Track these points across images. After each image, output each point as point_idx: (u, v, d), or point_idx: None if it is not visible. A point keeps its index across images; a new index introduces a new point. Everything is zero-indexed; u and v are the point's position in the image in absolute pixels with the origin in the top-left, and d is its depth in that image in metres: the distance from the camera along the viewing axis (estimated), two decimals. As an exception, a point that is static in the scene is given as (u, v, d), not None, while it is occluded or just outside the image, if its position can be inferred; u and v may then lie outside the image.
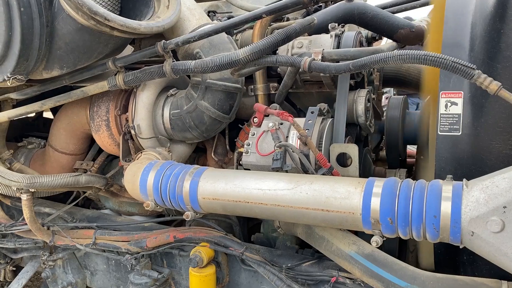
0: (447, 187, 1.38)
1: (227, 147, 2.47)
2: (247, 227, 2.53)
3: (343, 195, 1.50)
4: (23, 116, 3.00)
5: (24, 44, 1.72)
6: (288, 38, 1.74)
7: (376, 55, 1.42)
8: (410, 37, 2.22)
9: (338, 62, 1.74)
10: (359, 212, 1.47)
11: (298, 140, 1.80)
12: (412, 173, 2.67)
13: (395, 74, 2.75)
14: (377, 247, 1.51)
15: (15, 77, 1.80)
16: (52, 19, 1.76)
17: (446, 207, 1.34)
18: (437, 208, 1.35)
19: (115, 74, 2.04)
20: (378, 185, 1.47)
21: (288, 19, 2.38)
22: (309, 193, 1.56)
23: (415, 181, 1.47)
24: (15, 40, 1.71)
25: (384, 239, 1.49)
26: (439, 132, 1.61)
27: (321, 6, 2.46)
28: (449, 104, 1.61)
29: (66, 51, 1.83)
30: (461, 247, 1.38)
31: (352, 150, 1.76)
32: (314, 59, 1.67)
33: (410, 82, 2.76)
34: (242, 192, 1.68)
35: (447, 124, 1.60)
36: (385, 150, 2.44)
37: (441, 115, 1.61)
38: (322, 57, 1.76)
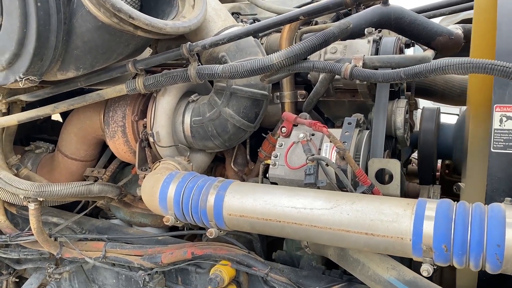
0: (511, 213, 1.23)
1: (248, 157, 2.33)
2: (267, 241, 2.37)
3: (391, 217, 1.35)
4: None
5: (39, 42, 1.57)
6: (326, 42, 1.60)
7: (434, 63, 1.27)
8: (449, 45, 2.07)
9: (377, 69, 1.60)
10: (409, 237, 1.32)
11: (333, 153, 1.66)
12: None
13: (419, 84, 2.61)
14: (426, 277, 1.36)
15: (28, 78, 1.66)
16: (70, 16, 1.61)
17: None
18: (501, 236, 1.21)
19: (134, 77, 1.90)
20: (431, 207, 1.33)
21: (316, 23, 2.24)
22: (350, 214, 1.41)
23: (471, 204, 1.32)
24: (30, 38, 1.56)
25: (435, 267, 1.34)
26: (492, 150, 1.47)
27: (351, 10, 2.31)
28: (504, 118, 1.47)
29: (84, 50, 1.69)
30: (526, 279, 1.23)
31: (394, 166, 1.61)
32: (355, 66, 1.53)
33: (436, 92, 2.62)
34: (274, 210, 1.53)
35: (502, 140, 1.46)
36: (418, 164, 2.28)
37: (495, 131, 1.47)
38: (363, 63, 1.61)
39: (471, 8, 2.43)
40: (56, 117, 3.16)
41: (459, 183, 2.12)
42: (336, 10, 1.65)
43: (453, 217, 1.28)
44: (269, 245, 2.38)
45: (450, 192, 2.23)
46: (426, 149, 2.20)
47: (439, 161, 2.71)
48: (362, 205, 1.41)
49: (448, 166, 2.74)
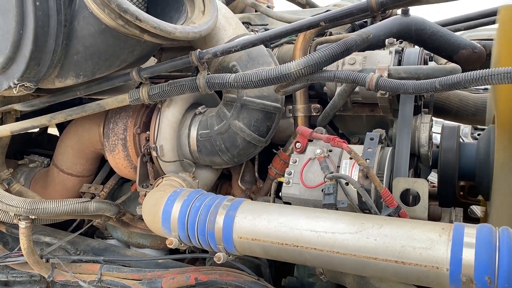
0: None
1: (256, 174, 2.18)
2: (275, 266, 2.21)
3: (424, 244, 1.21)
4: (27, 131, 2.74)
5: (36, 46, 1.44)
6: (347, 51, 1.48)
7: (475, 72, 1.14)
8: (472, 59, 1.97)
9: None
10: (446, 267, 1.17)
11: (353, 171, 1.52)
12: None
13: (434, 101, 2.50)
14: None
15: (23, 85, 1.52)
16: (72, 18, 1.49)
17: None
18: (554, 268, 1.06)
19: (138, 87, 1.77)
20: (470, 233, 1.18)
21: (331, 34, 2.12)
22: (378, 239, 1.26)
23: (516, 229, 1.18)
24: (26, 40, 1.43)
25: (475, 302, 1.18)
26: (525, 168, 1.34)
27: (366, 22, 2.21)
28: (538, 135, 1.34)
29: (85, 56, 1.56)
30: None
31: (421, 186, 1.47)
32: (381, 76, 1.40)
33: (450, 111, 2.50)
34: (290, 233, 1.38)
35: (536, 158, 1.33)
36: (438, 185, 2.14)
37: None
38: (388, 74, 1.49)
39: (491, 22, 2.34)
40: (54, 131, 3.01)
41: (473, 207, 1.97)
42: (361, 16, 1.53)
43: (497, 244, 1.14)
44: (277, 270, 2.21)
45: (466, 215, 2.10)
46: (447, 169, 2.06)
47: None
48: (391, 229, 1.26)
49: (463, 187, 2.61)
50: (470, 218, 2.67)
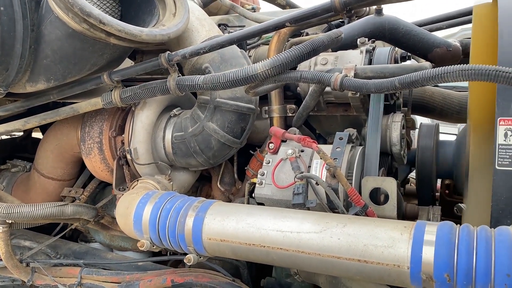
0: (522, 237, 1.09)
1: (235, 175, 2.18)
2: (256, 268, 2.21)
3: (386, 242, 1.21)
4: (9, 136, 2.75)
5: (3, 50, 1.45)
6: (314, 51, 1.48)
7: (432, 70, 1.15)
8: (447, 57, 1.97)
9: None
10: (406, 265, 1.17)
11: (323, 171, 1.53)
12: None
13: (417, 100, 2.50)
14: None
15: (-7, 90, 1.53)
16: (39, 22, 1.50)
17: (523, 264, 1.05)
18: (511, 265, 1.06)
19: (111, 90, 1.77)
20: (431, 231, 1.19)
21: (307, 34, 2.13)
22: (341, 238, 1.26)
23: (476, 227, 1.18)
24: (-8, 45, 1.44)
25: (437, 300, 1.18)
26: (496, 167, 1.34)
27: (343, 21, 2.21)
28: (509, 132, 1.35)
29: (54, 60, 1.56)
30: (540, 314, 1.08)
31: (390, 185, 1.48)
32: (346, 76, 1.41)
33: (434, 109, 2.50)
34: (257, 234, 1.38)
35: (507, 157, 1.34)
36: (416, 184, 2.14)
37: (500, 146, 1.35)
38: (355, 73, 1.49)
39: (469, 21, 2.34)
40: (38, 134, 3.02)
41: (460, 204, 1.98)
42: (325, 16, 1.53)
43: (456, 242, 1.14)
44: (257, 271, 2.21)
45: (451, 213, 2.10)
46: (425, 168, 2.06)
47: (439, 181, 2.58)
48: (354, 229, 1.27)
49: (449, 186, 2.60)
50: (457, 217, 2.67)
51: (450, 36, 3.03)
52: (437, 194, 2.60)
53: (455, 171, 2.05)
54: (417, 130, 2.42)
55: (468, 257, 1.11)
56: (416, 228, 1.21)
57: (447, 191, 2.60)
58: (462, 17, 2.15)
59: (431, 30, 2.18)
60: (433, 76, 1.14)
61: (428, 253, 1.15)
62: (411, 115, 2.40)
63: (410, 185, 2.64)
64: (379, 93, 1.43)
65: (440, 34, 2.33)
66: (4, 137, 2.81)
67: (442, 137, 2.27)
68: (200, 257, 1.53)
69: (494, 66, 1.11)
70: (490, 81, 1.09)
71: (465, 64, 1.16)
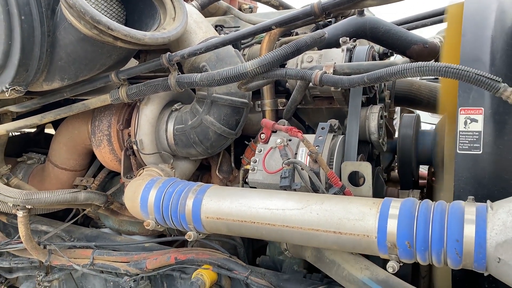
0: (470, 209, 1.28)
1: (233, 164, 2.38)
2: (252, 249, 2.41)
3: (357, 216, 1.40)
4: (24, 131, 2.96)
5: (24, 54, 1.65)
6: (298, 51, 1.67)
7: (393, 67, 1.33)
8: (424, 53, 2.14)
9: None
10: (374, 235, 1.36)
11: (308, 158, 1.71)
12: (424, 195, 2.56)
13: (406, 93, 2.67)
14: (393, 273, 1.40)
15: (14, 88, 1.73)
16: (54, 29, 1.70)
17: (469, 230, 1.24)
18: (460, 232, 1.25)
19: (118, 87, 1.97)
20: (395, 206, 1.37)
21: (297, 34, 2.31)
22: (320, 213, 1.46)
23: (434, 202, 1.37)
24: (14, 50, 1.64)
25: (401, 264, 1.38)
26: (458, 151, 1.52)
27: (330, 21, 2.39)
28: (468, 121, 1.52)
29: (68, 62, 1.76)
30: (485, 274, 1.27)
31: (365, 168, 1.67)
32: (325, 72, 1.60)
33: (421, 101, 2.68)
34: (248, 212, 1.58)
35: (467, 142, 1.51)
36: (398, 170, 2.33)
37: (460, 133, 1.52)
38: (333, 70, 1.68)
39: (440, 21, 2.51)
40: (50, 130, 3.24)
41: None
42: (306, 20, 1.71)
43: (416, 214, 1.33)
44: (255, 252, 2.41)
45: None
46: (405, 155, 2.25)
47: (427, 168, 2.76)
48: (330, 205, 1.46)
49: (434, 172, 2.78)
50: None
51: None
52: (425, 181, 2.79)
53: (433, 157, 2.24)
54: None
55: (425, 227, 1.29)
56: (383, 204, 1.40)
57: (433, 178, 2.78)
58: (439, 16, 2.32)
59: (410, 29, 2.35)
60: (395, 72, 1.33)
61: (392, 225, 1.34)
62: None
63: (396, 171, 2.82)
64: (352, 87, 1.61)
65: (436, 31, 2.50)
66: (16, 133, 3.03)
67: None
68: (199, 234, 1.73)
69: (444, 63, 1.29)
70: (440, 76, 1.28)
71: (423, 62, 1.35)
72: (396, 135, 2.45)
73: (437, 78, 2.98)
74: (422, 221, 1.31)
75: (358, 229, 1.39)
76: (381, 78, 1.37)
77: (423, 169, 3.11)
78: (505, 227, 1.20)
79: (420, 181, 2.80)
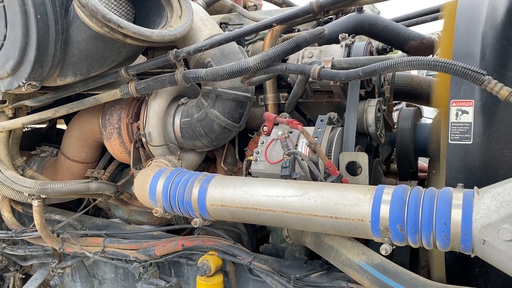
0: (457, 195, 1.36)
1: (237, 156, 2.47)
2: (256, 238, 2.51)
3: (352, 202, 1.49)
4: (37, 126, 3.08)
5: (39, 51, 1.76)
6: (298, 46, 1.75)
7: (386, 61, 1.42)
8: (421, 49, 2.22)
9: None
10: (368, 219, 1.45)
11: (308, 148, 1.80)
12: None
13: (406, 88, 2.75)
14: (386, 256, 1.48)
15: (30, 83, 1.84)
16: (68, 27, 1.80)
17: (456, 214, 1.32)
18: (447, 215, 1.33)
19: (128, 82, 2.07)
20: (388, 192, 1.46)
21: (299, 31, 2.40)
22: (317, 199, 1.55)
23: (425, 188, 1.45)
24: (31, 47, 1.75)
25: (394, 247, 1.46)
26: (449, 141, 1.60)
27: (331, 18, 2.47)
28: (459, 112, 1.60)
29: (80, 58, 1.86)
30: (472, 256, 1.35)
31: (362, 158, 1.75)
32: (323, 67, 1.68)
33: (422, 96, 2.75)
34: (250, 199, 1.67)
35: (458, 132, 1.59)
36: (396, 161, 2.41)
37: (452, 124, 1.60)
38: (332, 65, 1.77)
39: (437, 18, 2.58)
40: (61, 125, 3.35)
41: None
42: (305, 17, 1.80)
43: (407, 200, 1.41)
44: (259, 241, 2.51)
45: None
46: (403, 147, 2.33)
47: (427, 160, 2.83)
48: (327, 192, 1.55)
49: (433, 164, 2.84)
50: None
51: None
52: (425, 174, 2.87)
53: (430, 149, 2.32)
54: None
55: (415, 211, 1.38)
56: (377, 190, 1.48)
57: (434, 171, 2.85)
58: (436, 13, 2.39)
59: (411, 25, 2.43)
60: (387, 66, 1.41)
61: (384, 209, 1.42)
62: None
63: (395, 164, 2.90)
64: (348, 81, 1.70)
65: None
66: (29, 128, 3.14)
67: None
68: (205, 221, 1.83)
69: (434, 57, 1.37)
70: (429, 70, 1.36)
71: (414, 56, 1.43)
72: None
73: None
74: (412, 206, 1.39)
75: (353, 214, 1.48)
76: (375, 72, 1.45)
77: (424, 163, 3.19)
78: (489, 211, 1.28)
79: (421, 173, 2.88)
